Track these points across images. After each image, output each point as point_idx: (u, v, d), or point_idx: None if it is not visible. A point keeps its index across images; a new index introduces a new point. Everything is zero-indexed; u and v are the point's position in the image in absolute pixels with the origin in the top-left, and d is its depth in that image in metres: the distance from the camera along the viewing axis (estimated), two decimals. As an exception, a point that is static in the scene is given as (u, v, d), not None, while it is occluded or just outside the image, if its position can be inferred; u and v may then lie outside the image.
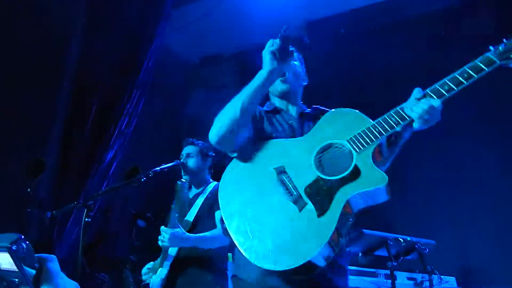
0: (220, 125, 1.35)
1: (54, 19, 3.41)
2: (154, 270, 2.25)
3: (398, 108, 1.28)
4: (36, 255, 0.99)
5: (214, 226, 2.16)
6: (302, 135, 1.45)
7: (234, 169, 1.38)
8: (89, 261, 3.12)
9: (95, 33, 3.73)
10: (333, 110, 1.42)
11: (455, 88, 1.23)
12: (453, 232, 3.30)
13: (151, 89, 4.00)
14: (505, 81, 3.35)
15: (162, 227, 2.12)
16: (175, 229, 2.07)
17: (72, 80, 3.64)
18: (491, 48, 1.25)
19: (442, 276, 2.70)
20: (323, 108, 1.59)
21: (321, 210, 1.18)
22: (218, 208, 1.34)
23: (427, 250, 2.71)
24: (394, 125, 1.25)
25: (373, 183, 1.18)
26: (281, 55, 1.36)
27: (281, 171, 1.29)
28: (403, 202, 3.52)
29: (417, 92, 1.28)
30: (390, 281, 2.53)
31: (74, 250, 3.14)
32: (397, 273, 2.65)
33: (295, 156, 1.31)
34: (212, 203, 2.25)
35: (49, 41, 3.42)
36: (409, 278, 2.82)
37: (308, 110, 1.59)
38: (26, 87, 3.27)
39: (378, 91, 3.85)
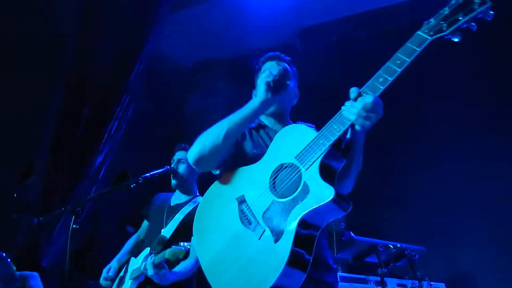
0: (200, 148, 1.36)
1: (47, 21, 3.38)
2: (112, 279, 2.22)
3: (339, 112, 1.22)
4: (18, 273, 0.97)
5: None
6: None
7: (208, 203, 1.41)
8: (77, 268, 3.07)
9: (88, 37, 3.70)
10: (283, 128, 1.38)
11: (389, 78, 1.15)
12: (443, 238, 3.32)
13: (144, 93, 3.97)
14: (500, 87, 3.40)
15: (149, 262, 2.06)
16: (161, 270, 2.01)
17: (63, 83, 3.61)
18: (424, 23, 1.16)
19: (432, 282, 2.72)
20: (308, 124, 1.56)
21: (277, 234, 1.17)
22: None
23: (417, 256, 2.72)
24: (336, 132, 1.18)
25: (319, 199, 1.13)
26: (276, 87, 1.35)
27: (241, 201, 1.30)
28: (392, 209, 3.55)
29: (352, 91, 1.20)
30: (381, 287, 2.53)
31: (61, 256, 3.09)
32: (387, 279, 2.66)
33: (254, 182, 1.31)
34: (190, 225, 2.21)
35: (42, 43, 3.39)
36: (399, 285, 2.83)
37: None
38: (16, 90, 3.24)
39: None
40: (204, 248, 1.33)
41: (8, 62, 3.17)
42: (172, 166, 2.43)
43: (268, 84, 1.35)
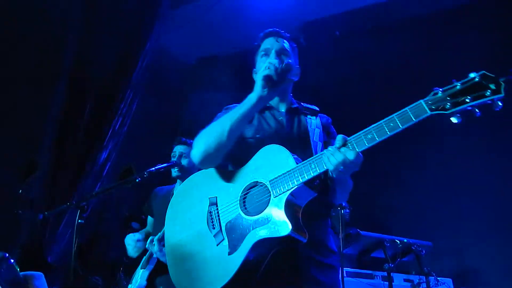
0: (206, 148, 1.36)
1: (49, 19, 3.37)
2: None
3: (321, 153, 1.23)
4: (22, 273, 0.94)
5: None
6: (291, 130, 1.47)
7: (186, 190, 1.46)
8: (82, 264, 3.06)
9: (90, 33, 3.69)
10: (268, 145, 1.35)
11: (377, 139, 1.13)
12: (450, 233, 3.29)
13: (147, 90, 3.97)
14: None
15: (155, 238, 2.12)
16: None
17: (66, 80, 3.60)
18: (433, 90, 1.10)
19: (438, 278, 2.71)
20: (308, 106, 1.58)
21: (232, 247, 1.24)
22: None
23: (424, 251, 2.71)
24: (312, 172, 1.21)
25: (275, 232, 1.19)
26: (274, 83, 1.30)
27: (212, 203, 1.35)
28: (399, 204, 3.52)
29: (338, 140, 1.20)
30: (387, 283, 2.52)
31: (66, 252, 3.10)
32: (394, 274, 2.65)
33: (229, 188, 1.35)
34: None
35: (44, 41, 3.38)
36: (406, 280, 2.82)
37: (296, 105, 1.56)
38: (20, 87, 3.23)
39: (374, 93, 3.85)
40: (171, 232, 1.42)
41: (12, 60, 3.16)
42: (174, 160, 2.44)
43: (265, 79, 1.29)
